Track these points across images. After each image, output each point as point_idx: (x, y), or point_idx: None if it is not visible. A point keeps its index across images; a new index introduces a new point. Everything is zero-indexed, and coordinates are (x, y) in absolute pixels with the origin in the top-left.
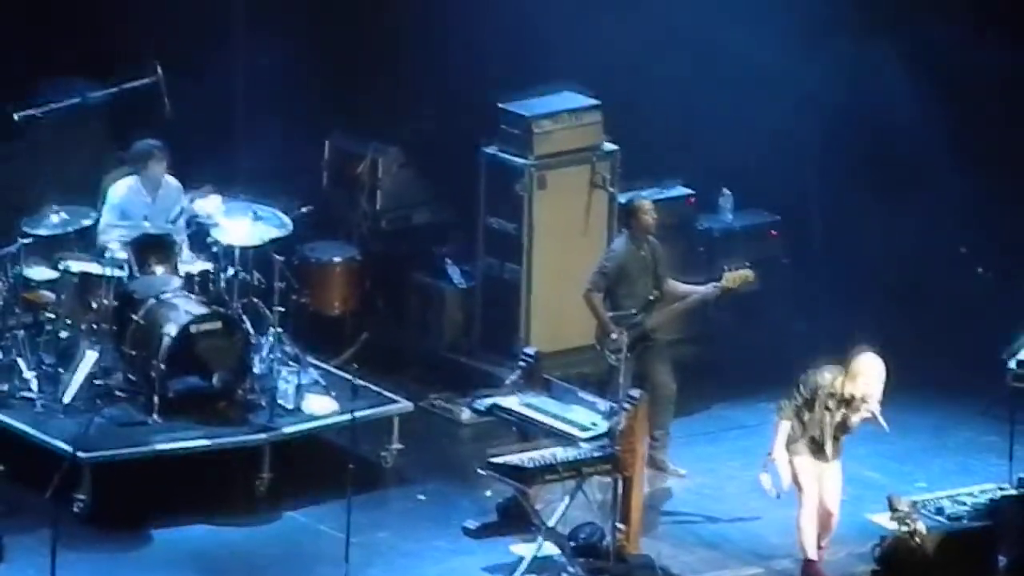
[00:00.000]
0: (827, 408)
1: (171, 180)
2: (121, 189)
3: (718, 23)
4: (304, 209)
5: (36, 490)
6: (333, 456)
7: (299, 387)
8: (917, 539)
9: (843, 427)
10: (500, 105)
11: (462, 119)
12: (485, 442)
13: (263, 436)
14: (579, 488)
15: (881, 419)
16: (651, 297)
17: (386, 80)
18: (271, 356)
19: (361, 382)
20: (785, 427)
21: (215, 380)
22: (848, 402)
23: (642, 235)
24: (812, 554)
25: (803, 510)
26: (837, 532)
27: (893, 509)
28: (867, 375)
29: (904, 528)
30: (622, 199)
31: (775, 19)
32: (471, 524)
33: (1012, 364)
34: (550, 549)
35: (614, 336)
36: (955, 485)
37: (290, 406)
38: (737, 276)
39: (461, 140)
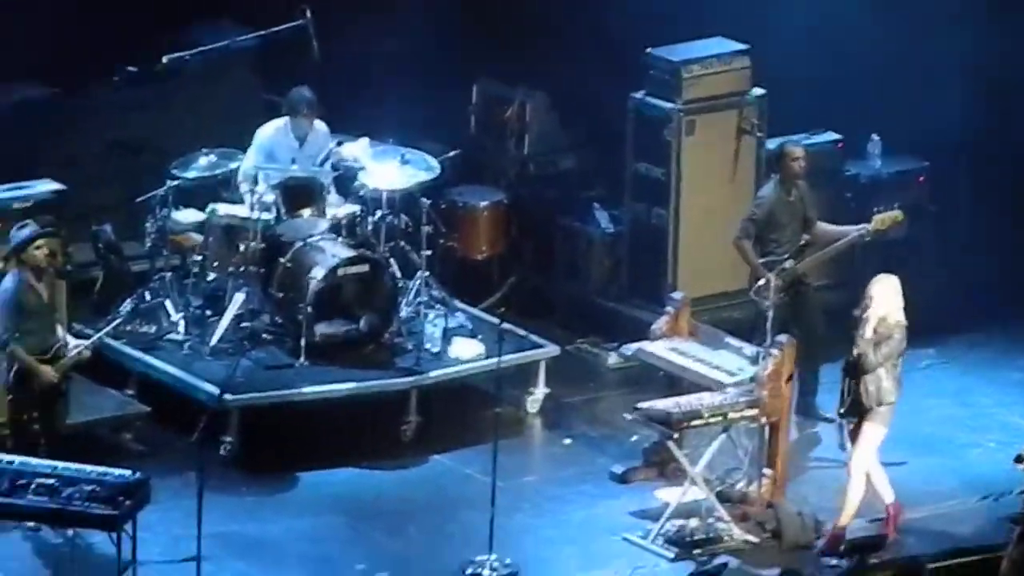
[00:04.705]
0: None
1: (319, 124)
2: (269, 130)
3: None
4: (452, 153)
5: (183, 433)
6: (480, 400)
7: (446, 331)
8: None
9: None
10: (649, 50)
11: (610, 63)
12: (631, 387)
13: (409, 380)
14: (725, 433)
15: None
16: (801, 242)
17: (535, 25)
18: (418, 300)
19: (508, 326)
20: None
21: (362, 324)
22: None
23: (791, 180)
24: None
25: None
26: (984, 479)
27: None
28: (875, 293)
29: None
30: (770, 145)
31: None
32: (617, 469)
33: None
34: (696, 494)
35: (763, 281)
36: None
37: (436, 350)
38: (887, 217)
39: (610, 85)
